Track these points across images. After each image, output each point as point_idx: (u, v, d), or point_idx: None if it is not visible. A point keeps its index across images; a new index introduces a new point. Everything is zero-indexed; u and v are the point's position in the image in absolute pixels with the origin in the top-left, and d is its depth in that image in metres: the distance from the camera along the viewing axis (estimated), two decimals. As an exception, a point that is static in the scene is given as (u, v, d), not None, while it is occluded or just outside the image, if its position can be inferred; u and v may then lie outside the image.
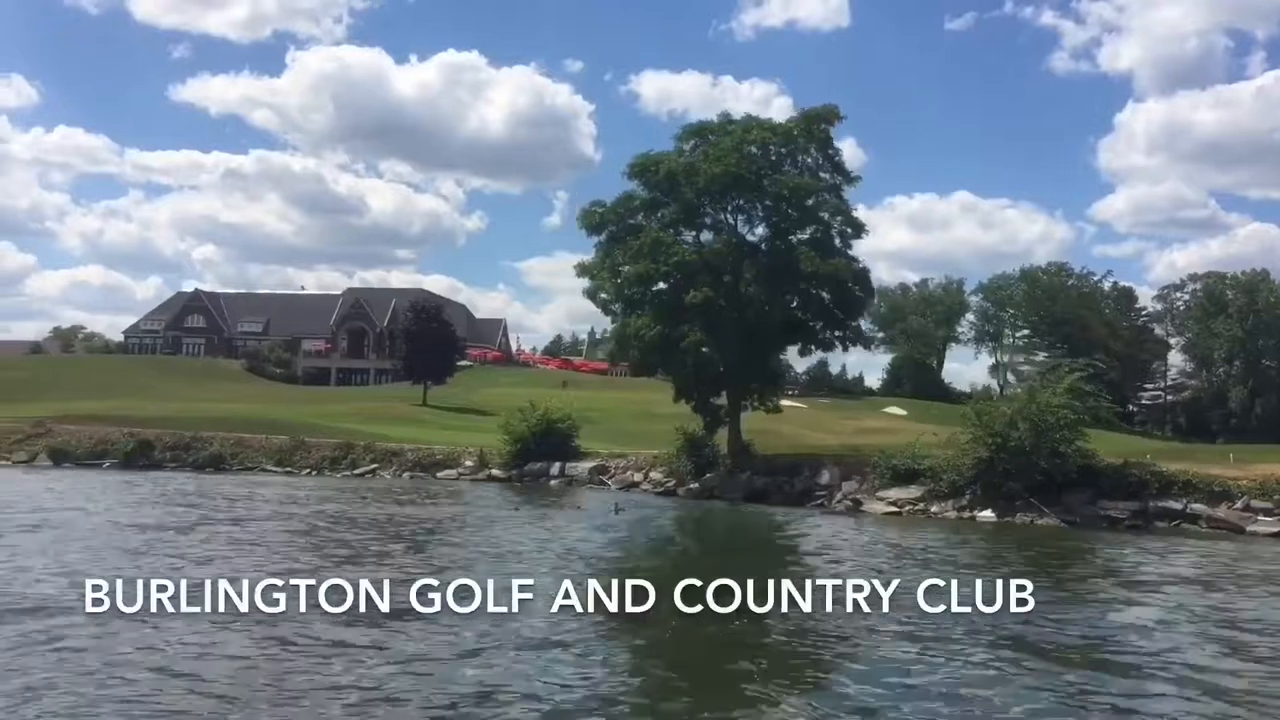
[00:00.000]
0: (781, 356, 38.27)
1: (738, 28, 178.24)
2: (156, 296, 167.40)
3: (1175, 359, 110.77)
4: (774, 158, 34.47)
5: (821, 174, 34.61)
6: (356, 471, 39.97)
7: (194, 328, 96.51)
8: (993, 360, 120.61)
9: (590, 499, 31.67)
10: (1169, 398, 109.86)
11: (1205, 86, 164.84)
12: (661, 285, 33.24)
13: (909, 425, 71.85)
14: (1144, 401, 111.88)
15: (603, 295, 34.53)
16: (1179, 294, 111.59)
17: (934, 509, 27.21)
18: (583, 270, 35.63)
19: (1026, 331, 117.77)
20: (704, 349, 32.22)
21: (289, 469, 40.48)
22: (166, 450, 41.12)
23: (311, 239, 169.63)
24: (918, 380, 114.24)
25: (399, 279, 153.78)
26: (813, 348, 35.09)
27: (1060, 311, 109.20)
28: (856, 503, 28.48)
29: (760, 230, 34.98)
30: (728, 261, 33.55)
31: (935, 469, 27.90)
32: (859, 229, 33.87)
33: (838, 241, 34.18)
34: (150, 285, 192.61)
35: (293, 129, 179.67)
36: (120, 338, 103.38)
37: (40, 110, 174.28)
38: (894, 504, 27.63)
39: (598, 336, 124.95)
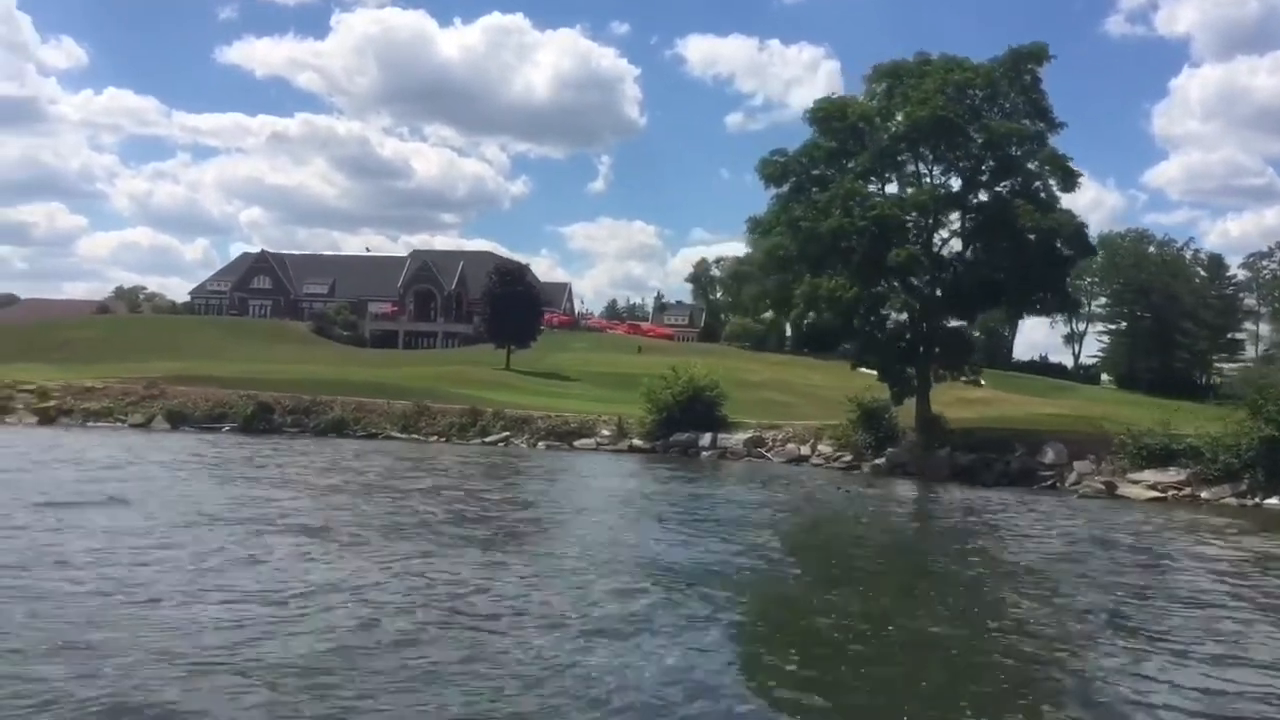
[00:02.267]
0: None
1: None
2: (204, 258, 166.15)
3: (1265, 329, 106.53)
4: (972, 102, 31.15)
5: (1023, 120, 31.25)
6: (488, 439, 37.33)
7: (260, 289, 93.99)
8: (1068, 330, 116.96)
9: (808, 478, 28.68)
10: (1259, 370, 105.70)
11: (1264, 51, 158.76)
12: (852, 241, 30.06)
13: (1000, 396, 68.90)
14: (1228, 373, 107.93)
15: (781, 253, 31.40)
16: (1267, 261, 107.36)
17: (1204, 494, 24.17)
18: (755, 225, 32.66)
19: (1104, 300, 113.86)
20: (905, 312, 29.13)
21: (414, 435, 37.93)
22: (286, 414, 38.57)
23: (356, 202, 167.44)
24: (989, 350, 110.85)
25: (443, 242, 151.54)
26: (1022, 312, 31.82)
27: (1145, 280, 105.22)
28: (1110, 486, 25.43)
29: (956, 182, 31.73)
30: (929, 215, 30.40)
31: (1199, 449, 24.83)
32: (1072, 180, 30.55)
33: (1042, 195, 30.91)
34: (198, 247, 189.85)
35: (338, 92, 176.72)
36: (179, 298, 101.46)
37: (89, 72, 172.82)
38: (1154, 487, 24.60)
39: (664, 301, 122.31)
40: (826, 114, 31.51)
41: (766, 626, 11.40)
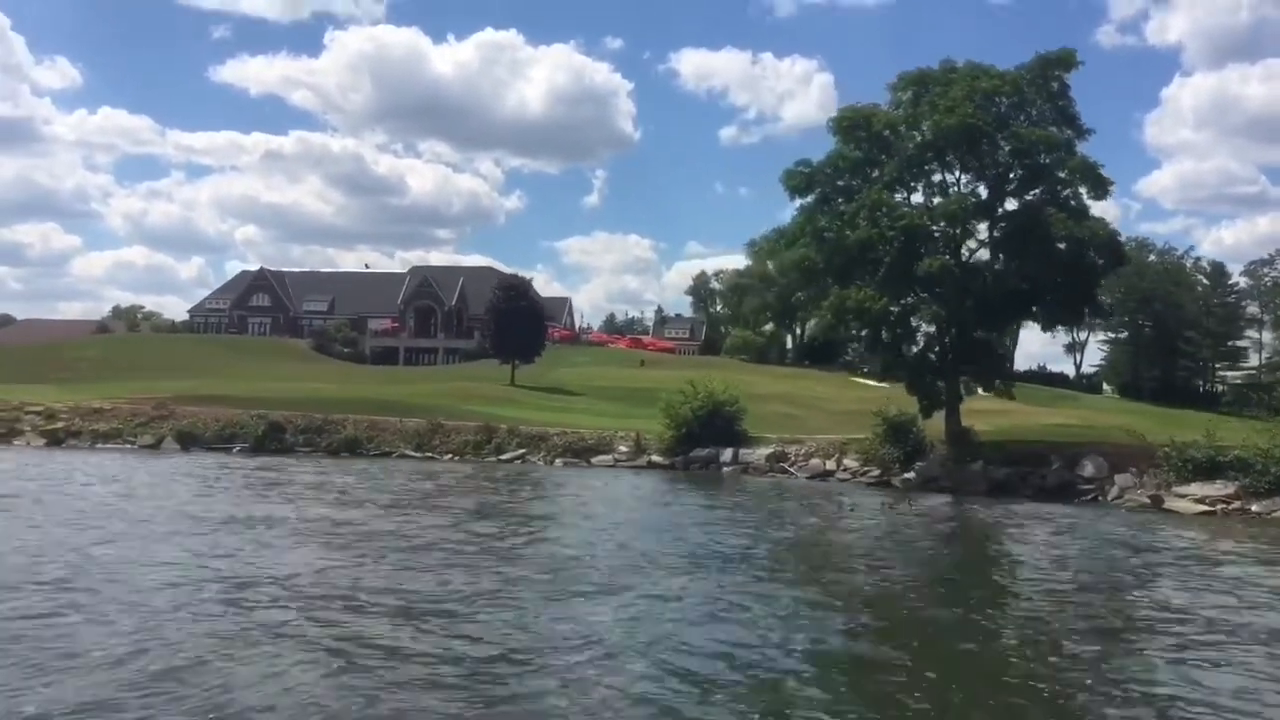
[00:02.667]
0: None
1: (778, 3, 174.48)
2: (200, 277, 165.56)
3: (1268, 337, 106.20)
4: (1000, 109, 30.65)
5: (1051, 128, 30.74)
6: (503, 457, 36.57)
7: (259, 306, 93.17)
8: (1069, 339, 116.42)
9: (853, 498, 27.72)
10: (1263, 377, 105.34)
11: (1255, 59, 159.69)
12: (880, 252, 29.49)
13: (1010, 406, 68.15)
14: (1231, 381, 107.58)
15: (807, 264, 30.81)
16: (1268, 269, 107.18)
17: (1254, 507, 23.54)
18: (779, 235, 32.10)
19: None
20: (935, 324, 28.57)
21: (429, 454, 37.18)
22: (298, 434, 37.77)
23: (352, 219, 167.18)
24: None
25: (438, 258, 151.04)
26: (1054, 323, 31.32)
27: (1148, 288, 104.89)
28: (1156, 500, 24.80)
29: (983, 190, 31.19)
30: (958, 225, 29.85)
31: (1247, 460, 24.23)
32: (1103, 187, 30.01)
33: (1072, 203, 30.39)
34: (194, 265, 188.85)
35: (332, 109, 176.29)
36: (176, 317, 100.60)
37: (84, 92, 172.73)
38: (1202, 501, 23.98)
39: (664, 314, 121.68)
40: (851, 123, 30.97)
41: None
